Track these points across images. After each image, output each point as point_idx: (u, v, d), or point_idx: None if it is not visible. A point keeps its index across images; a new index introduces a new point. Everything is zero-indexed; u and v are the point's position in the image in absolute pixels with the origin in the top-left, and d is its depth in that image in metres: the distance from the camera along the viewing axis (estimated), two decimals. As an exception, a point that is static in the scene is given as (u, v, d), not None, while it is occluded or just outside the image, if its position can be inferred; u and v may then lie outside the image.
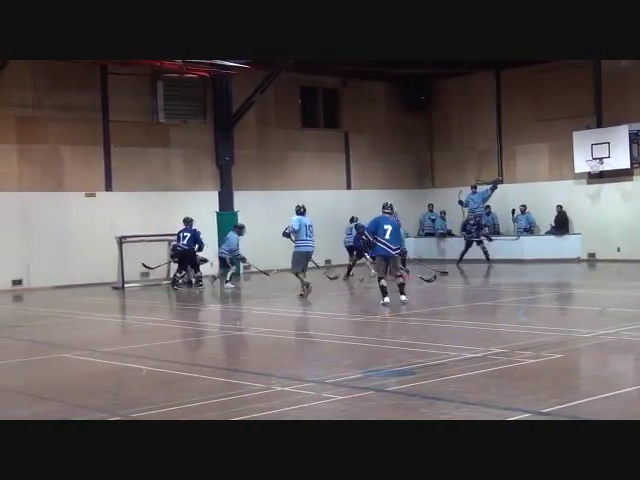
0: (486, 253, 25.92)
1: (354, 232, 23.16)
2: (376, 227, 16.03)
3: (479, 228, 26.40)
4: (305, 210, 18.02)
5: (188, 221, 21.85)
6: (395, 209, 25.23)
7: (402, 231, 18.43)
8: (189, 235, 21.65)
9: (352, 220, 24.15)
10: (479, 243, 26.14)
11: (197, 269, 21.93)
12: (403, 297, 15.76)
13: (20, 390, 9.23)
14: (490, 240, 26.18)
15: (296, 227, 17.72)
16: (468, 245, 26.44)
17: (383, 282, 15.75)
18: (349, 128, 29.39)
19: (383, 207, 16.48)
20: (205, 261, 22.43)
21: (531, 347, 10.54)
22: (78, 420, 7.03)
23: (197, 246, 21.72)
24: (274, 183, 26.90)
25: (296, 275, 17.94)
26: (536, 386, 8.40)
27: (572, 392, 8.24)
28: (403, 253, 22.62)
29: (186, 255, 21.61)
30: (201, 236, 21.84)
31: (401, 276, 16.11)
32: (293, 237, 17.87)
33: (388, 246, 15.85)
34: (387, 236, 15.80)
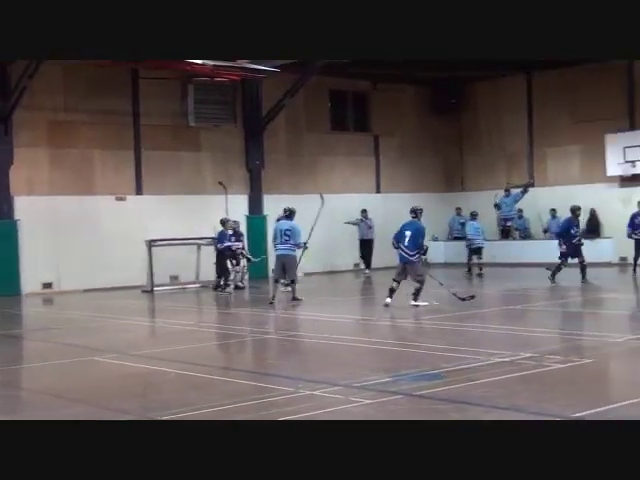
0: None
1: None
2: (400, 233, 16.39)
3: None
4: (291, 213, 18.15)
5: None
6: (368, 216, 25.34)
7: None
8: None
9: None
10: None
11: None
12: (412, 302, 15.99)
13: (51, 393, 9.28)
14: None
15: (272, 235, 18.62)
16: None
17: (394, 285, 16.20)
18: (379, 131, 29.34)
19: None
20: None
21: (561, 352, 10.46)
22: (105, 420, 7.05)
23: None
24: (304, 187, 26.88)
25: (275, 282, 18.18)
26: (567, 391, 8.33)
27: (603, 397, 8.16)
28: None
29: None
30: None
31: (420, 282, 16.14)
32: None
33: (406, 252, 16.14)
34: (406, 242, 16.13)
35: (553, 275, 19.58)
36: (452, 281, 17.04)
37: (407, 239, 16.08)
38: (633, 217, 22.23)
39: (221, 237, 21.46)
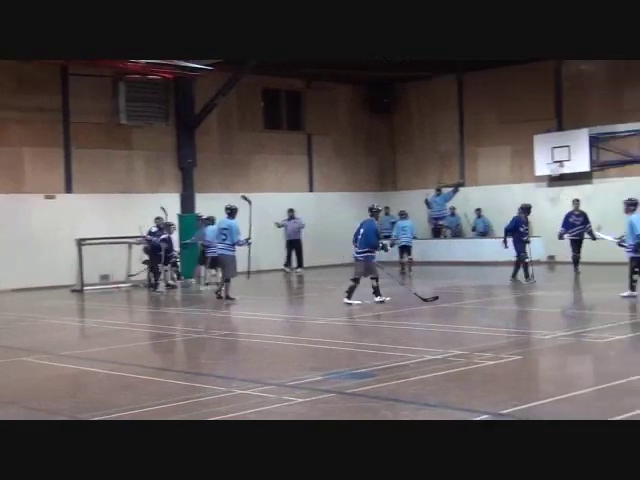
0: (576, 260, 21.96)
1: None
2: (357, 231, 16.45)
3: (585, 222, 21.85)
4: (233, 211, 18.14)
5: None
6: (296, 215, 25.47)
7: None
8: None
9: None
10: (576, 245, 21.93)
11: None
12: (345, 300, 16.14)
13: (-23, 394, 9.12)
14: (594, 239, 21.18)
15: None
16: (575, 246, 22.03)
17: (373, 283, 16.19)
18: (312, 130, 29.37)
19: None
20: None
21: (491, 349, 10.60)
22: (35, 420, 6.95)
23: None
24: (237, 186, 26.76)
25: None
26: (496, 388, 8.46)
27: (531, 393, 8.31)
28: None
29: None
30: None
31: (354, 281, 16.22)
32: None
33: (355, 250, 16.33)
34: (358, 240, 16.26)
35: (526, 275, 19.58)
36: (386, 279, 17.07)
37: (360, 237, 16.22)
38: (567, 216, 22.38)
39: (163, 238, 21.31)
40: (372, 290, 16.23)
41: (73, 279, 22.41)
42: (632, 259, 15.99)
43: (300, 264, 26.62)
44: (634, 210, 16.17)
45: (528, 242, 20.13)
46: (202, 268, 22.20)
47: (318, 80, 28.81)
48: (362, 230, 16.29)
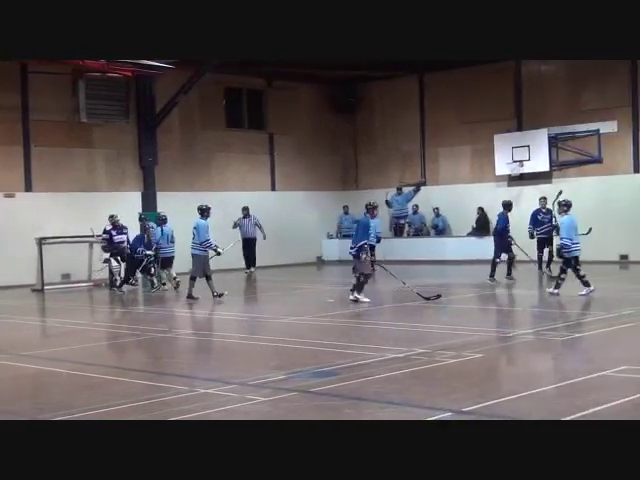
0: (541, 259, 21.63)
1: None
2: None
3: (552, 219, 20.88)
4: (203, 211, 18.15)
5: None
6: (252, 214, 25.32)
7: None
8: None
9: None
10: (544, 243, 21.47)
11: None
12: (350, 297, 16.20)
13: (-64, 395, 9.02)
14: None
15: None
16: (542, 245, 21.60)
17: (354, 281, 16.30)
18: (274, 129, 29.34)
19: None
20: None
21: (453, 347, 10.68)
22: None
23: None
24: (199, 184, 26.71)
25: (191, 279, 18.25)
26: (458, 385, 8.53)
27: (492, 391, 8.39)
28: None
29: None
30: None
31: (357, 278, 16.30)
32: None
33: (351, 246, 16.43)
34: (354, 237, 16.53)
35: (492, 275, 19.49)
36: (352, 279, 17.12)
37: (354, 233, 16.57)
38: (535, 214, 22.26)
39: (137, 240, 21.07)
40: (351, 286, 16.33)
41: (33, 278, 22.19)
42: (564, 260, 16.18)
43: (253, 263, 25.80)
44: (567, 211, 16.29)
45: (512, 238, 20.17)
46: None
47: (280, 79, 28.81)
48: (355, 226, 16.75)
